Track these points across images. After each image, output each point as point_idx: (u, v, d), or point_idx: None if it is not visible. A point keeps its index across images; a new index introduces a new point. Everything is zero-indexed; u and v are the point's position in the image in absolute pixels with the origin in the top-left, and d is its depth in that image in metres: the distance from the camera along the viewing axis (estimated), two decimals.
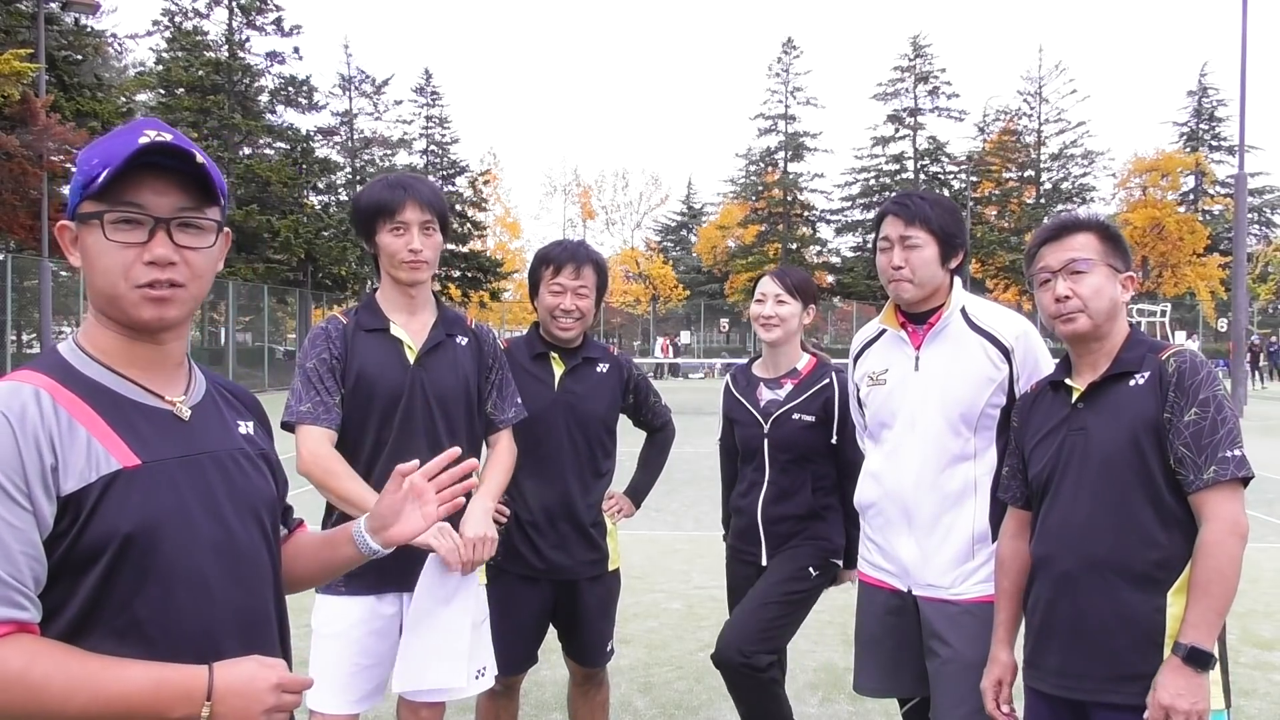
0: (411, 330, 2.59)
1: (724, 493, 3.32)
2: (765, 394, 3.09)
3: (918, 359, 2.55)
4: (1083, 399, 2.13)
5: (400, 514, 1.56)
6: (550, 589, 2.98)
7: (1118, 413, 2.06)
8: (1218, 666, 1.95)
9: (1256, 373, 32.60)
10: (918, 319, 2.58)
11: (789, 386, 3.06)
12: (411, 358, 2.55)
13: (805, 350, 3.14)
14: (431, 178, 45.17)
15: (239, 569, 1.36)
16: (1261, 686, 4.38)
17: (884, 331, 2.67)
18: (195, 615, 1.29)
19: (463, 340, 2.66)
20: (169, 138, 1.31)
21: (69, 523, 1.20)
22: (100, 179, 1.26)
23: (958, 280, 2.60)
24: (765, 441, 3.03)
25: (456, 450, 1.61)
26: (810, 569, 3.01)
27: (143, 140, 1.28)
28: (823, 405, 3.01)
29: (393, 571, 2.36)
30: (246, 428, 1.48)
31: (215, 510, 1.34)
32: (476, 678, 2.50)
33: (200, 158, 1.31)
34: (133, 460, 1.26)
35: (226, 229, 1.44)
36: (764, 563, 3.05)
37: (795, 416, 3.01)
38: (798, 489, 3.01)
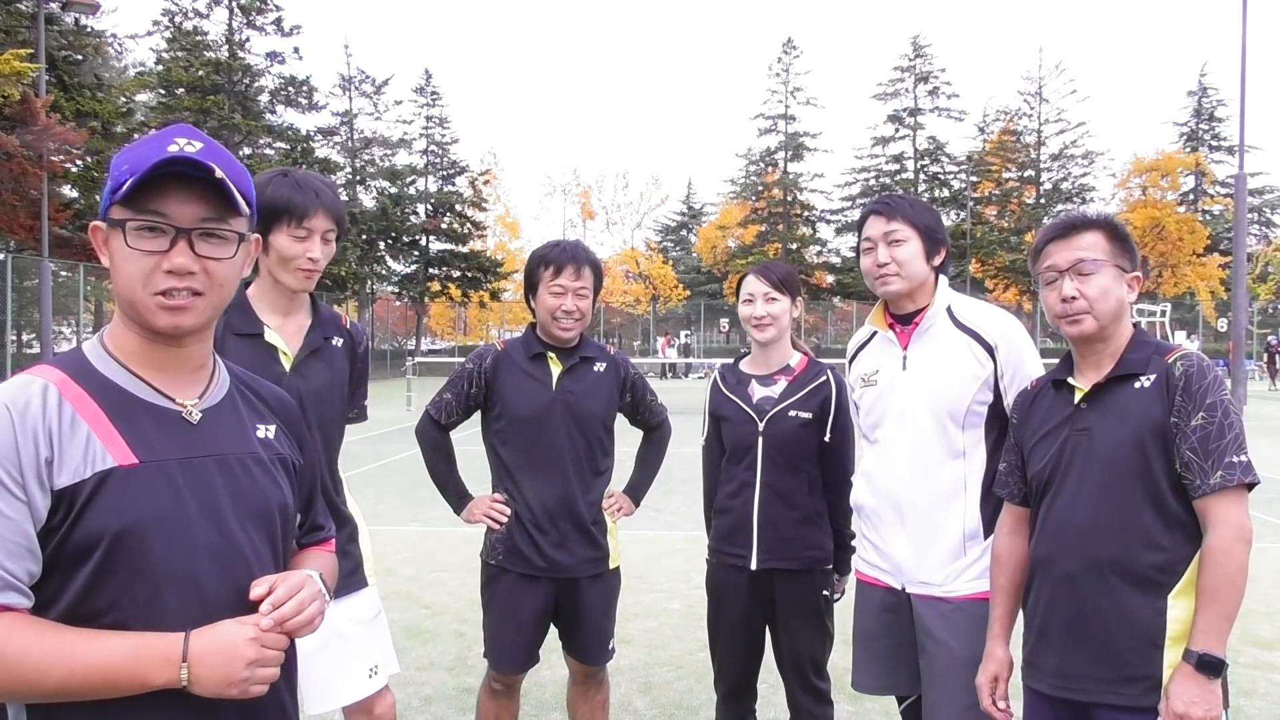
0: (286, 334, 2.49)
1: (707, 495, 3.20)
2: (758, 391, 3.02)
3: (905, 359, 2.58)
4: (1086, 399, 2.11)
5: None
6: (551, 587, 2.98)
7: (1122, 415, 2.05)
8: None
9: (1275, 373, 32.36)
10: (905, 319, 2.61)
11: (783, 383, 3.01)
12: (288, 365, 2.45)
13: (796, 348, 3.10)
14: (431, 178, 45.23)
15: (235, 574, 1.35)
16: (1261, 686, 4.38)
17: (875, 334, 2.71)
18: (182, 616, 1.28)
19: (338, 341, 2.60)
20: (199, 147, 1.32)
21: (62, 517, 1.22)
22: (126, 186, 1.28)
23: (943, 279, 2.62)
24: (760, 439, 2.96)
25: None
26: (825, 595, 2.99)
27: (171, 149, 1.30)
28: (820, 403, 2.97)
29: None
30: (267, 431, 1.48)
31: (215, 513, 1.34)
32: (369, 677, 2.50)
33: (219, 173, 1.31)
34: (130, 459, 1.27)
35: (256, 235, 1.45)
36: (754, 566, 2.93)
37: (792, 413, 2.95)
38: (794, 491, 2.94)
